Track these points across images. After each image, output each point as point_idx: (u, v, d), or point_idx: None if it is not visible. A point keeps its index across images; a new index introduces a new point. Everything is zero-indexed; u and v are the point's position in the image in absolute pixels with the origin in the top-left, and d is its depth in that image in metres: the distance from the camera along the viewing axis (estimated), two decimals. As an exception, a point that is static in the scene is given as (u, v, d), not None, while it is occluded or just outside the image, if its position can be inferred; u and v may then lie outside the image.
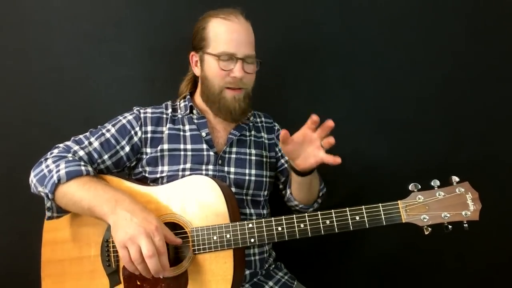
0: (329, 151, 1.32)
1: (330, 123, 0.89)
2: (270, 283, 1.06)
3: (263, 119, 1.23)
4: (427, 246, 1.33)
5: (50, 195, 0.88)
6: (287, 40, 1.42)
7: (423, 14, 1.40)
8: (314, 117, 0.89)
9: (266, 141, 1.18)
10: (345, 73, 1.43)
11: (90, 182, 0.89)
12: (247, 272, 1.02)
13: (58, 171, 0.89)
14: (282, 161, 1.18)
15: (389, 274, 1.44)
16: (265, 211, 1.12)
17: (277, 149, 1.19)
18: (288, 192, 1.13)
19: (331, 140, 0.88)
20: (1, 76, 1.38)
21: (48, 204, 0.91)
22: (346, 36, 1.42)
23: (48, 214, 0.92)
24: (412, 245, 1.33)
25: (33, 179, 0.92)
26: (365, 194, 1.43)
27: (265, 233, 0.87)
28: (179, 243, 0.86)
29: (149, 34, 1.40)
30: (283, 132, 0.90)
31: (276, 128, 1.23)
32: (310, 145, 0.92)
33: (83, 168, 0.91)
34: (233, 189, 1.04)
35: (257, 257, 1.05)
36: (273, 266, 1.13)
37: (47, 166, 0.92)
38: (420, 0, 1.39)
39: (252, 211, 1.08)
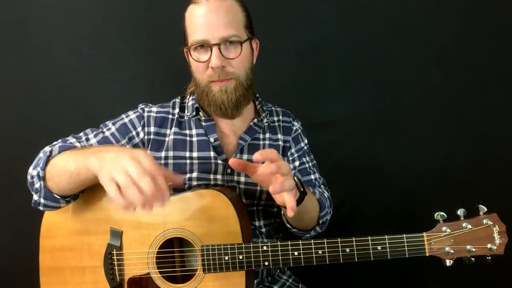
0: (329, 150, 1.33)
1: (256, 157, 0.73)
2: (276, 287, 1.04)
3: (280, 117, 1.08)
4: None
5: (41, 173, 0.83)
6: (287, 40, 1.42)
7: (423, 14, 1.40)
8: (273, 153, 0.74)
9: (282, 144, 1.04)
10: (345, 73, 1.43)
11: (78, 148, 0.84)
12: (254, 281, 0.97)
13: (52, 150, 0.86)
14: (291, 166, 1.02)
15: (392, 276, 1.43)
16: (278, 220, 1.04)
17: (288, 153, 1.05)
18: (282, 212, 0.96)
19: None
20: (1, 76, 1.38)
21: (37, 185, 0.84)
22: (346, 36, 1.42)
23: (35, 197, 0.86)
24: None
25: (30, 169, 0.87)
26: (365, 194, 1.43)
27: (280, 257, 0.82)
28: (179, 182, 0.78)
29: (149, 34, 1.40)
30: (232, 161, 0.76)
31: (294, 128, 1.08)
32: (273, 178, 0.78)
33: (77, 145, 0.89)
34: (243, 200, 0.97)
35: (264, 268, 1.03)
36: (278, 270, 1.09)
37: (42, 151, 0.89)
38: (420, 0, 1.39)
39: (262, 222, 1.00)
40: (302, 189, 0.82)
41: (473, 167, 1.38)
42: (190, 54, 0.93)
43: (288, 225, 0.96)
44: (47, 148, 0.89)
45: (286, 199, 0.73)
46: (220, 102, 0.92)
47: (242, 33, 0.92)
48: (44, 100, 1.39)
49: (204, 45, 0.90)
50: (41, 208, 0.88)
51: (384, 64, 1.41)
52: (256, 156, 0.72)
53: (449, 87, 1.40)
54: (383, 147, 1.42)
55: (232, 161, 0.76)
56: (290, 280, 1.09)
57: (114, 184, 0.68)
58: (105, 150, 0.76)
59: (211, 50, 0.89)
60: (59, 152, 0.86)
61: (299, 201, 0.81)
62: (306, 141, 1.10)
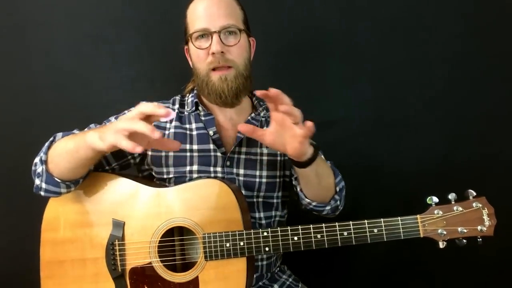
0: (329, 150, 1.33)
1: (272, 92, 0.77)
2: (276, 286, 1.04)
3: None
4: (431, 247, 1.33)
5: (43, 157, 0.87)
6: (287, 40, 1.42)
7: (423, 14, 1.40)
8: (270, 92, 0.76)
9: None
10: (345, 73, 1.43)
11: (78, 133, 0.90)
12: (254, 275, 0.99)
13: (55, 135, 0.92)
14: None
15: (392, 275, 1.44)
16: (278, 213, 1.06)
17: None
18: (298, 189, 0.99)
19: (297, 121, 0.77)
20: (1, 76, 1.38)
21: (39, 169, 0.87)
22: (346, 36, 1.42)
23: (37, 182, 0.89)
24: (416, 246, 1.32)
25: (34, 159, 0.91)
26: (365, 194, 1.43)
27: (280, 242, 0.85)
28: (175, 146, 0.80)
29: (149, 34, 1.40)
30: (242, 128, 0.80)
31: None
32: (287, 129, 0.80)
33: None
34: (243, 192, 0.99)
35: (264, 262, 1.03)
36: (278, 269, 1.10)
37: (48, 141, 0.92)
38: (420, 0, 1.39)
39: (262, 214, 1.02)
40: (315, 146, 0.86)
41: (473, 167, 1.38)
42: (192, 43, 0.97)
43: (307, 200, 0.96)
44: (51, 138, 0.93)
45: (299, 130, 0.77)
46: (220, 91, 0.95)
47: (240, 25, 0.98)
48: (44, 100, 1.39)
49: (204, 35, 0.95)
50: (42, 193, 0.90)
51: (384, 64, 1.41)
52: (272, 91, 0.76)
53: (449, 87, 1.40)
54: (383, 147, 1.42)
55: (240, 126, 0.81)
56: (290, 280, 1.09)
57: (121, 134, 0.71)
58: (102, 127, 0.80)
59: (212, 38, 0.93)
60: (62, 137, 0.91)
61: (313, 157, 0.85)
62: None
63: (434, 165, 1.40)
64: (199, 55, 0.97)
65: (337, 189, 0.98)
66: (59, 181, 0.87)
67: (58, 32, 1.39)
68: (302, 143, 0.80)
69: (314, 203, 0.97)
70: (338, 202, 0.98)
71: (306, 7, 1.41)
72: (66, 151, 0.84)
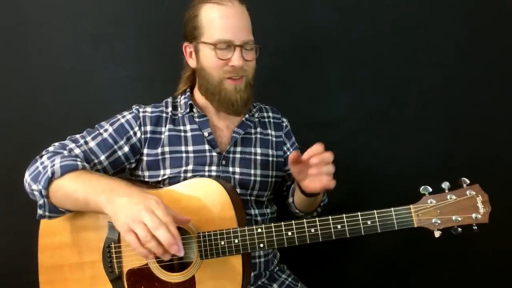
0: (329, 150, 1.33)
1: (327, 157, 0.84)
2: (275, 285, 1.05)
3: (270, 114, 1.17)
4: (430, 246, 1.33)
5: (43, 192, 0.84)
6: (287, 40, 1.42)
7: (423, 14, 1.40)
8: (319, 148, 0.84)
9: (273, 139, 1.12)
10: (345, 73, 1.43)
11: (85, 174, 0.86)
12: (252, 274, 1.00)
13: (53, 165, 0.85)
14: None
15: (392, 274, 1.44)
16: (268, 210, 1.09)
17: (285, 148, 1.14)
18: (290, 200, 1.10)
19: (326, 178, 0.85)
20: (1, 76, 1.38)
21: (40, 201, 0.86)
22: (346, 36, 1.42)
23: (39, 212, 0.87)
24: (416, 243, 1.33)
25: (27, 178, 0.88)
26: (365, 194, 1.43)
27: (274, 238, 0.85)
28: (186, 221, 0.82)
29: (149, 34, 1.40)
30: (293, 155, 0.87)
31: (284, 124, 1.17)
32: (315, 168, 0.86)
33: (79, 163, 0.87)
34: (238, 190, 1.01)
35: (262, 259, 1.04)
36: (277, 268, 1.11)
37: (42, 163, 0.88)
38: (420, 0, 1.39)
39: (257, 211, 1.05)
40: None
41: (473, 167, 1.38)
42: (215, 51, 0.96)
43: (297, 210, 1.08)
44: (45, 161, 0.88)
45: (329, 181, 0.85)
46: (234, 100, 0.99)
47: (254, 38, 1.01)
48: (44, 100, 1.39)
49: (228, 46, 0.96)
50: (47, 219, 0.91)
51: (384, 64, 1.41)
52: (305, 156, 0.85)
53: (449, 87, 1.40)
54: (383, 147, 1.42)
55: (292, 155, 0.87)
56: (290, 279, 1.10)
57: (133, 234, 0.73)
58: (115, 191, 0.79)
59: (234, 50, 0.96)
60: (61, 174, 0.84)
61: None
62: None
63: (434, 165, 1.40)
64: (218, 63, 0.97)
65: (321, 204, 1.10)
66: (63, 210, 0.88)
67: (58, 31, 1.39)
68: (322, 188, 0.86)
69: (301, 214, 1.09)
70: (319, 211, 1.11)
71: (306, 7, 1.41)
72: (73, 199, 0.83)
